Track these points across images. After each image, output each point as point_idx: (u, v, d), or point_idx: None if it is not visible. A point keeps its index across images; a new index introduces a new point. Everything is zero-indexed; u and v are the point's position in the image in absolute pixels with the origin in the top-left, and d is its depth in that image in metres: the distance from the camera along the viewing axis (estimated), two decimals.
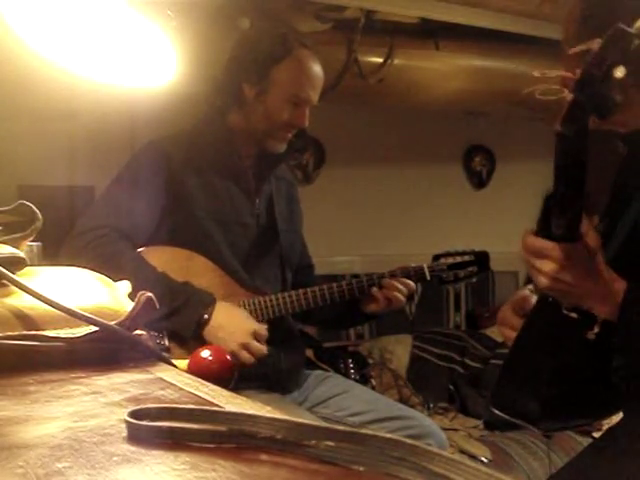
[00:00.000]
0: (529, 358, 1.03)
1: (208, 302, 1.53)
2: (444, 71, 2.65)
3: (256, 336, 1.54)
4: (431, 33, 2.57)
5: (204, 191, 1.64)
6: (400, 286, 1.68)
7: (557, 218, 0.90)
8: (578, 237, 0.90)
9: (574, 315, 0.96)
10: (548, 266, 0.92)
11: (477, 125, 3.44)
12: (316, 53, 1.70)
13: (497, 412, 1.04)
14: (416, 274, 1.73)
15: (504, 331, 1.09)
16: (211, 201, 1.65)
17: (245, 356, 1.52)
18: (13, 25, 0.87)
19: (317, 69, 1.69)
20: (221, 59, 1.74)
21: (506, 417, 1.03)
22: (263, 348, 1.55)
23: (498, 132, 3.52)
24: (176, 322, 1.51)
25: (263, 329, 1.57)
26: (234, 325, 1.53)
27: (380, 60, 2.49)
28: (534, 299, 1.05)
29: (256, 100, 1.66)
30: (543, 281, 0.94)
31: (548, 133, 3.74)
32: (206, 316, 1.52)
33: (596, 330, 0.95)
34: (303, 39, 1.70)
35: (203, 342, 1.52)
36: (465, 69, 2.68)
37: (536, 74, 0.89)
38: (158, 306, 1.49)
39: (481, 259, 1.82)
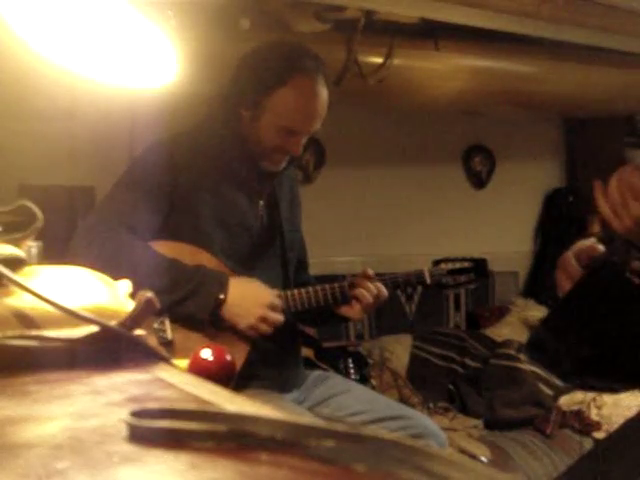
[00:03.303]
0: (578, 314, 1.01)
1: (222, 282, 1.54)
2: (444, 71, 2.65)
3: (271, 307, 1.57)
4: (431, 33, 2.57)
5: (208, 193, 1.64)
6: (371, 287, 1.66)
7: None
8: None
9: (636, 280, 0.94)
10: (637, 209, 0.91)
11: (477, 125, 3.44)
12: (323, 73, 1.62)
13: (527, 356, 1.03)
14: (417, 278, 1.74)
15: (561, 278, 1.06)
16: (214, 203, 1.64)
17: (263, 328, 1.56)
18: (13, 25, 0.87)
19: (316, 99, 1.61)
20: (221, 59, 1.73)
21: (535, 362, 1.03)
22: (280, 317, 1.59)
23: (498, 132, 3.53)
24: (192, 305, 1.52)
25: (278, 300, 1.60)
26: (250, 300, 1.55)
27: (380, 60, 2.49)
28: (600, 249, 1.03)
29: (250, 123, 1.64)
30: (626, 221, 0.93)
31: (548, 133, 3.77)
32: (222, 296, 1.53)
33: None
34: (309, 61, 1.62)
35: (218, 324, 1.54)
36: (465, 69, 2.68)
37: None
38: (172, 291, 1.51)
39: (479, 266, 1.84)
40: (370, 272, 1.70)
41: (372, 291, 1.66)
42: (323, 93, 1.62)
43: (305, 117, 1.62)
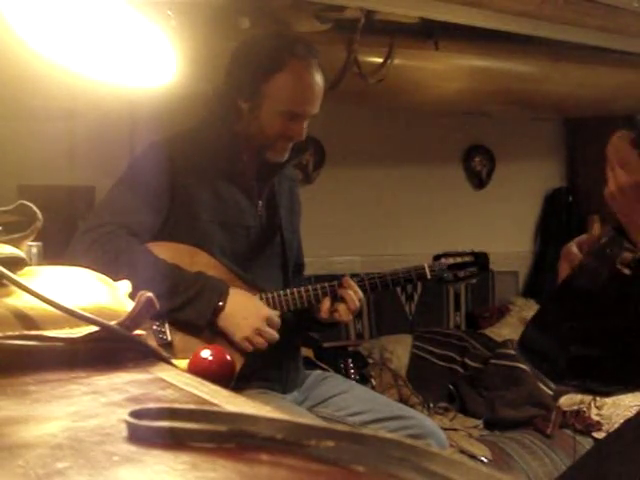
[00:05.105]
0: (568, 311, 1.00)
1: (222, 290, 1.55)
2: (444, 71, 2.65)
3: (269, 322, 1.57)
4: (431, 33, 2.57)
5: (206, 193, 1.64)
6: (351, 295, 1.65)
7: None
8: None
9: (626, 271, 0.93)
10: (622, 175, 0.90)
11: (477, 125, 3.44)
12: (316, 59, 1.65)
13: (520, 354, 1.01)
14: (417, 273, 1.73)
15: (563, 268, 1.04)
16: (213, 203, 1.65)
17: (259, 341, 1.56)
18: (13, 25, 0.87)
19: (313, 81, 1.63)
20: (221, 59, 1.73)
21: (527, 362, 1.01)
22: (275, 334, 1.58)
23: (498, 132, 3.52)
24: (191, 312, 1.52)
25: (276, 315, 1.60)
26: (248, 311, 1.55)
27: (380, 60, 2.49)
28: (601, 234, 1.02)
29: (250, 114, 1.64)
30: (611, 187, 0.92)
31: (548, 133, 3.77)
32: (221, 303, 1.54)
33: None
34: (301, 47, 1.64)
35: (215, 330, 1.54)
36: (465, 69, 2.68)
37: None
38: (172, 297, 1.52)
39: (481, 260, 1.83)
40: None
41: (358, 292, 1.66)
42: (318, 76, 1.65)
43: (305, 99, 1.64)
